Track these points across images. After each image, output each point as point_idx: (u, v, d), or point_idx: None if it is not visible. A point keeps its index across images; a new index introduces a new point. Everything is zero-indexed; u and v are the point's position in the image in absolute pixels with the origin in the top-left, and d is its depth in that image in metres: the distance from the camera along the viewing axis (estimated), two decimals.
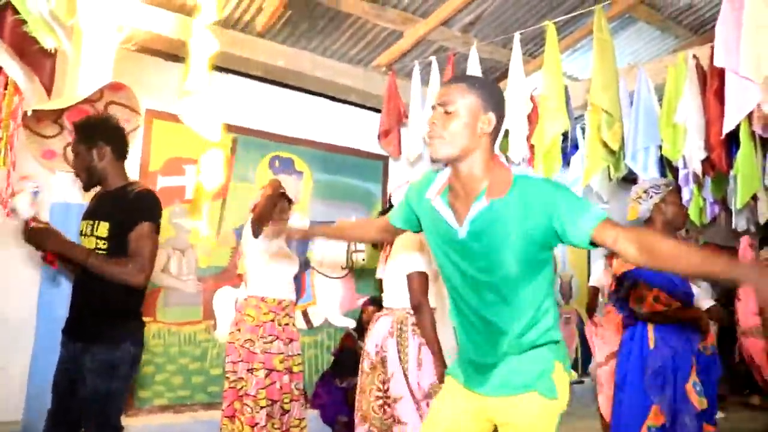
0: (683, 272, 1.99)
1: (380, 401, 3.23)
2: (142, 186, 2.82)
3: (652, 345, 3.04)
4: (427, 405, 3.06)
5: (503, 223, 1.85)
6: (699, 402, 2.95)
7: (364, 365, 3.36)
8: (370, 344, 3.34)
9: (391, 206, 3.39)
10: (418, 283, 3.18)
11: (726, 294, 7.18)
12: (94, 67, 3.81)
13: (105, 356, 2.62)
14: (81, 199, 3.93)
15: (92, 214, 2.80)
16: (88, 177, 2.81)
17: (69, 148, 3.62)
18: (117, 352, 2.64)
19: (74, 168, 2.84)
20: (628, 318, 3.24)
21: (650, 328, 3.07)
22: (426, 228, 2.11)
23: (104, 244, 2.68)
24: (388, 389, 3.20)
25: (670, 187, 3.22)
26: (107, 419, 2.64)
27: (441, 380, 3.05)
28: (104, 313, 2.68)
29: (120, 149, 2.85)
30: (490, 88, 1.97)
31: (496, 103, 1.93)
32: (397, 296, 3.34)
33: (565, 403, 1.98)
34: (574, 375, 2.32)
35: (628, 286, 3.13)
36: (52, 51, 2.96)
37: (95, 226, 2.72)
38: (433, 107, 1.95)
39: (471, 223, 1.89)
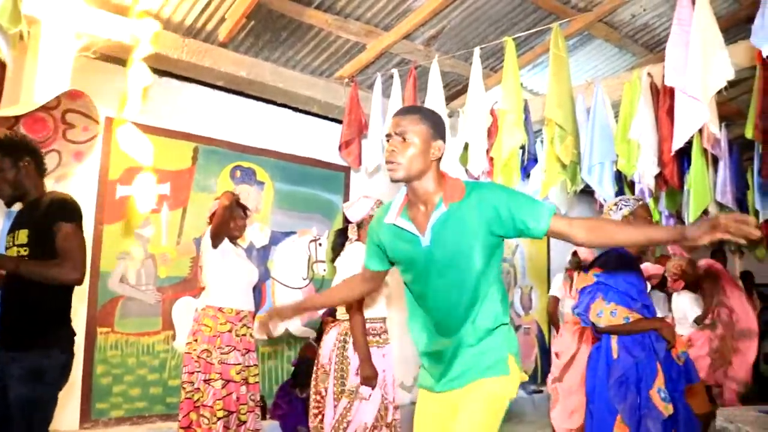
0: (627, 242, 2.25)
1: (316, 410, 3.35)
2: (58, 194, 2.85)
3: (615, 355, 3.09)
4: (340, 402, 3.23)
5: (464, 222, 2.12)
6: (665, 408, 2.97)
7: (316, 376, 3.44)
8: (322, 356, 3.42)
9: (349, 222, 3.50)
10: None
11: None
12: (51, 74, 3.77)
13: (32, 363, 2.63)
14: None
15: (13, 226, 2.84)
16: (13, 191, 2.84)
17: None
18: (45, 359, 2.65)
19: None
20: (594, 331, 3.28)
21: (613, 339, 3.12)
22: (390, 251, 2.32)
23: (25, 250, 2.72)
24: (324, 397, 3.31)
25: (641, 202, 3.24)
26: (33, 428, 2.62)
27: (366, 383, 3.20)
28: (31, 321, 2.68)
29: (41, 164, 2.91)
30: (438, 118, 2.24)
31: (443, 131, 2.23)
32: (343, 308, 3.39)
33: (515, 386, 2.24)
34: (526, 377, 2.41)
35: (588, 301, 3.16)
36: (1, 61, 2.94)
37: (15, 236, 2.77)
38: (389, 135, 2.18)
39: (432, 229, 2.14)
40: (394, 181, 2.18)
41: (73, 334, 2.85)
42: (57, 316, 2.77)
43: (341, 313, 3.41)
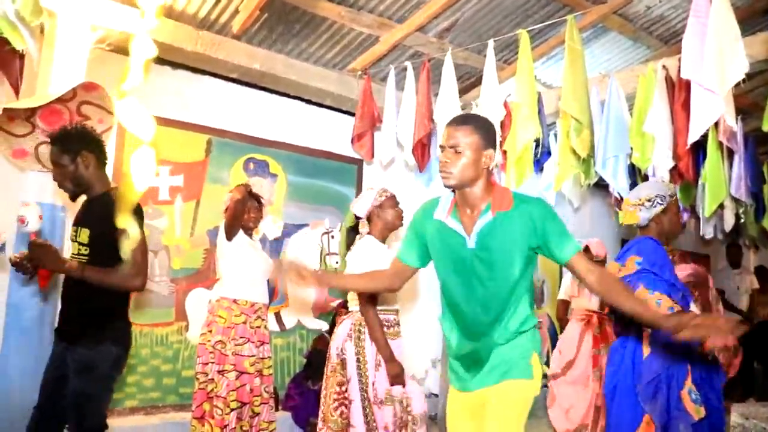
0: (628, 312, 2.29)
1: (336, 403, 3.28)
2: (122, 192, 2.86)
3: (646, 353, 2.93)
4: (379, 409, 3.17)
5: (508, 231, 2.27)
6: (695, 410, 2.83)
7: (327, 367, 3.41)
8: (332, 347, 3.40)
9: (359, 219, 3.47)
10: None
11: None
12: (67, 66, 3.80)
13: (84, 357, 2.70)
14: (52, 199, 3.93)
15: (77, 220, 2.88)
16: (75, 186, 2.87)
17: (41, 148, 3.62)
18: (96, 352, 2.71)
19: (59, 179, 2.86)
20: (619, 326, 3.13)
21: (645, 336, 2.95)
22: (433, 246, 2.45)
23: (85, 249, 2.77)
24: (346, 391, 3.25)
25: (674, 198, 3.13)
26: (84, 419, 2.70)
27: (395, 382, 3.20)
28: (86, 315, 2.75)
29: (102, 156, 2.92)
30: (490, 127, 2.37)
31: (494, 140, 2.36)
32: (356, 299, 3.38)
33: (539, 386, 2.40)
34: (546, 368, 2.52)
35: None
36: (21, 51, 2.97)
37: (78, 232, 2.81)
38: (443, 147, 2.33)
39: (479, 234, 2.29)
40: (447, 187, 2.35)
41: (128, 326, 2.91)
42: (111, 311, 2.82)
43: (354, 304, 3.40)
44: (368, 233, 3.44)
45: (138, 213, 2.81)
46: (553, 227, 2.27)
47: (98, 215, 2.76)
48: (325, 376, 3.42)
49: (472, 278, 2.35)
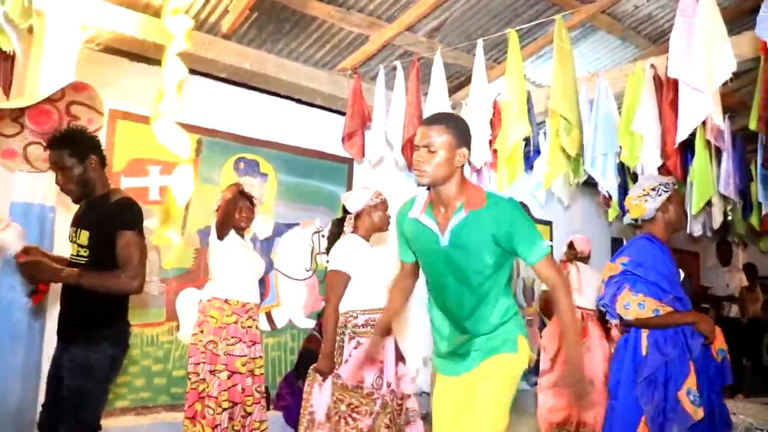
0: (560, 323, 2.45)
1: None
2: (122, 194, 2.88)
3: (644, 352, 2.89)
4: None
5: (480, 229, 2.33)
6: (694, 411, 2.75)
7: None
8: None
9: (347, 212, 3.54)
10: (332, 281, 3.35)
11: None
12: (56, 67, 3.78)
13: (80, 357, 2.71)
14: (41, 200, 3.91)
15: (77, 221, 2.89)
16: (82, 189, 2.86)
17: (30, 148, 3.61)
18: (93, 353, 2.71)
19: (64, 182, 2.85)
20: (622, 324, 3.09)
21: (644, 334, 2.92)
22: (413, 244, 2.56)
23: (85, 251, 2.78)
24: None
25: (675, 187, 3.10)
26: (79, 418, 2.70)
27: (320, 373, 3.31)
28: (84, 316, 2.75)
29: (103, 158, 2.93)
30: (463, 126, 2.41)
31: (468, 138, 2.41)
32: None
33: (526, 362, 2.48)
34: (534, 356, 2.60)
35: (613, 292, 2.96)
36: (10, 53, 2.96)
37: (77, 233, 2.81)
38: (417, 146, 2.36)
39: (452, 231, 2.35)
40: (420, 185, 2.39)
41: (127, 329, 2.92)
42: (108, 312, 2.81)
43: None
44: (352, 231, 3.50)
45: (137, 215, 2.83)
46: (520, 230, 2.33)
47: (99, 218, 2.77)
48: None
49: (448, 273, 2.43)
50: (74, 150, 2.80)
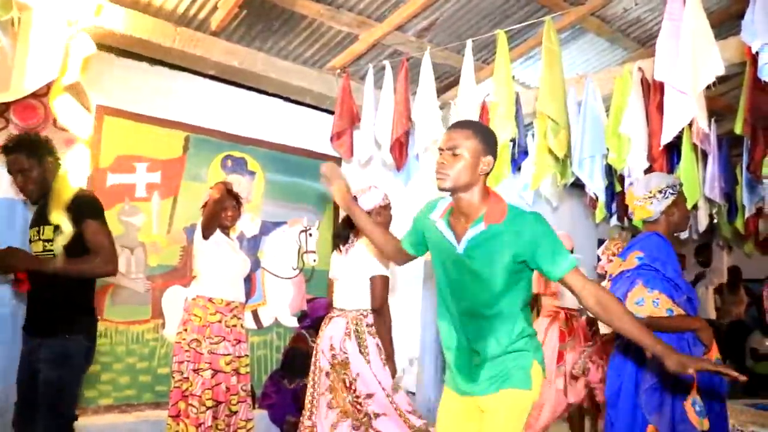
0: (621, 331, 2.26)
1: (351, 396, 3.37)
2: (81, 190, 3.01)
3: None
4: (396, 394, 3.35)
5: (497, 244, 2.24)
6: (699, 423, 2.57)
7: (322, 365, 3.46)
8: (324, 345, 3.45)
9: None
10: (382, 286, 3.41)
11: None
12: (42, 61, 3.75)
13: (59, 348, 2.81)
14: (19, 195, 3.89)
15: (36, 221, 2.99)
16: (40, 189, 2.97)
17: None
18: (70, 343, 2.83)
19: (23, 184, 2.96)
20: None
21: None
22: (431, 245, 2.49)
23: (51, 245, 2.87)
24: (355, 389, 3.34)
25: (680, 189, 2.94)
26: (58, 408, 2.78)
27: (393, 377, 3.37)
28: (58, 309, 2.85)
29: (58, 159, 3.05)
30: (490, 134, 2.35)
31: (494, 147, 2.32)
32: (352, 298, 3.48)
33: (537, 394, 2.36)
34: (545, 377, 2.47)
35: (626, 288, 2.77)
36: None
37: (41, 230, 2.91)
38: (441, 149, 2.28)
39: (468, 242, 2.27)
40: (440, 189, 2.30)
41: (96, 321, 3.04)
42: (81, 305, 2.95)
43: (345, 303, 3.50)
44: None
45: (99, 206, 2.96)
46: (545, 244, 2.22)
47: (63, 210, 2.85)
48: (319, 373, 3.48)
49: (461, 284, 2.35)
50: (31, 152, 2.92)
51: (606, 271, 4.34)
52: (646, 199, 2.91)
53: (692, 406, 2.60)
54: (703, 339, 2.72)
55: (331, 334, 3.43)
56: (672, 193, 2.87)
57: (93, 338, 2.98)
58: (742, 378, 2.07)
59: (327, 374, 3.44)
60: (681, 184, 2.95)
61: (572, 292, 2.27)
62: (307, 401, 3.52)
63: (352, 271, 3.49)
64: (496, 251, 2.24)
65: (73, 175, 2.83)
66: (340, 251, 3.61)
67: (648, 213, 2.92)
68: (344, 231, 3.65)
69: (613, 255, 4.13)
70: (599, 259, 4.31)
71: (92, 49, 2.57)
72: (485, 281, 2.28)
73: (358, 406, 3.32)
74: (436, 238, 2.42)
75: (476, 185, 2.28)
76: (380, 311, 3.42)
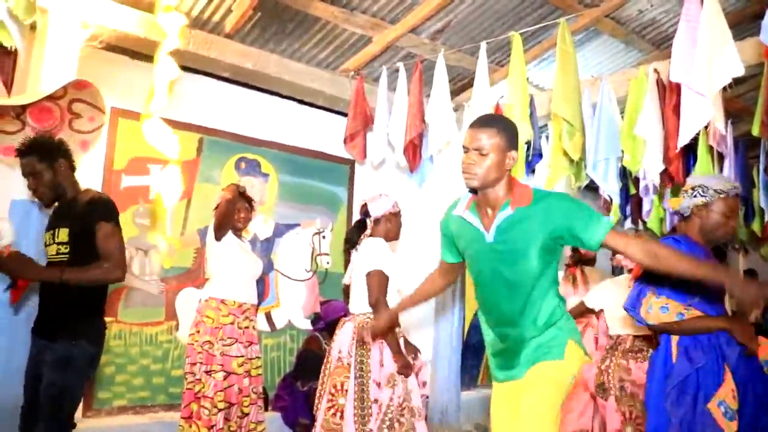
0: (678, 273, 2.25)
1: (330, 404, 3.36)
2: (94, 192, 2.99)
3: (674, 359, 2.64)
4: (379, 390, 3.30)
5: (527, 226, 2.28)
6: (726, 425, 2.48)
7: (327, 369, 3.48)
8: (334, 350, 3.47)
9: (366, 215, 3.62)
10: (377, 282, 3.37)
11: None
12: (58, 64, 3.77)
13: (62, 352, 2.77)
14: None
15: (51, 224, 2.97)
16: (53, 192, 2.95)
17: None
18: (74, 348, 2.78)
19: (36, 187, 2.95)
20: (651, 331, 2.85)
21: (674, 341, 2.66)
22: (459, 242, 2.53)
23: (65, 248, 2.84)
24: (345, 391, 3.33)
25: (723, 195, 2.75)
26: (59, 412, 2.75)
27: (401, 373, 3.34)
28: (65, 312, 2.81)
29: (72, 162, 3.02)
30: (513, 128, 2.39)
31: (516, 140, 2.37)
32: (358, 301, 3.49)
33: (576, 367, 2.38)
34: (589, 359, 2.48)
35: (636, 295, 2.73)
36: (11, 49, 2.99)
37: (56, 233, 2.89)
38: (466, 149, 2.31)
39: (497, 228, 2.32)
40: (470, 189, 2.38)
41: (104, 327, 2.99)
42: (88, 309, 2.89)
43: (354, 307, 3.52)
44: (371, 235, 3.57)
45: (113, 208, 2.91)
46: (578, 215, 2.26)
47: (76, 214, 2.85)
48: (323, 378, 3.49)
49: (494, 271, 2.39)
50: (43, 156, 2.90)
51: (621, 264, 4.31)
52: (683, 192, 2.88)
53: (718, 407, 2.53)
54: (738, 337, 2.59)
55: (341, 338, 3.46)
56: (701, 195, 2.77)
57: (99, 344, 2.93)
58: None
59: (327, 378, 3.47)
60: (722, 192, 2.76)
61: (618, 252, 2.33)
62: (316, 403, 3.54)
63: (356, 273, 3.52)
64: (528, 232, 2.28)
65: (164, 194, 2.82)
66: (350, 255, 3.66)
67: (677, 202, 2.88)
68: (354, 235, 3.68)
69: None
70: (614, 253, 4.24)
71: (177, 73, 2.61)
72: (519, 265, 2.33)
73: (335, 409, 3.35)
74: (464, 231, 2.46)
75: (503, 179, 2.34)
76: (376, 306, 3.37)
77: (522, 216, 2.29)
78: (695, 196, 2.79)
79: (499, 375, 2.53)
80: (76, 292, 2.78)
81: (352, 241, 3.67)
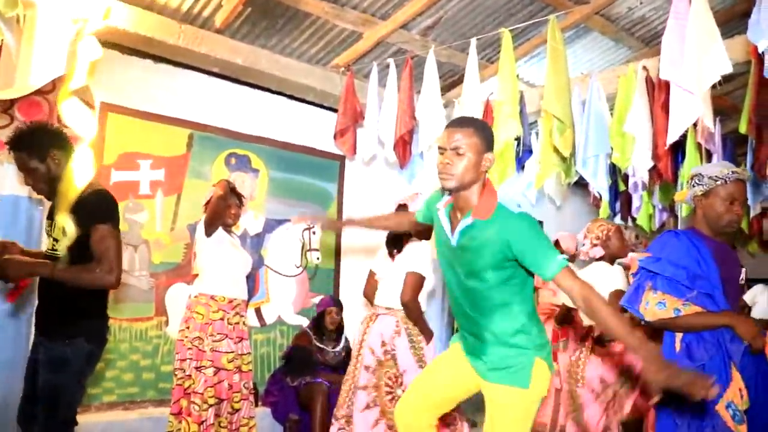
0: (607, 332, 2.33)
1: (390, 396, 3.60)
2: (96, 186, 2.80)
3: (678, 349, 2.54)
4: None
5: (482, 240, 2.29)
6: (736, 429, 2.38)
7: (366, 361, 3.70)
8: (373, 341, 3.70)
9: (402, 207, 3.84)
10: (413, 283, 3.64)
11: None
12: (47, 58, 3.75)
13: (56, 351, 2.67)
14: (29, 192, 3.89)
15: (50, 214, 2.85)
16: (49, 187, 2.79)
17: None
18: (68, 347, 2.67)
19: (33, 182, 2.80)
20: (649, 327, 2.71)
21: (677, 338, 2.57)
22: (435, 229, 2.58)
23: (58, 244, 2.74)
24: (402, 383, 3.59)
25: (720, 182, 2.63)
26: (55, 412, 2.67)
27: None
28: (61, 309, 2.71)
29: (69, 149, 2.82)
30: (489, 130, 2.39)
31: (492, 142, 2.38)
32: (397, 297, 3.72)
33: (541, 391, 2.38)
34: (555, 367, 2.51)
35: (633, 291, 2.65)
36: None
37: (52, 226, 2.78)
38: (443, 149, 2.31)
39: (459, 233, 2.35)
40: (445, 189, 2.37)
41: (104, 324, 2.86)
42: (86, 306, 2.76)
43: (393, 302, 3.74)
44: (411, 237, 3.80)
45: (112, 207, 2.78)
46: (531, 247, 2.23)
47: (72, 210, 2.67)
48: (362, 370, 3.72)
49: (455, 273, 2.44)
50: (33, 150, 2.72)
51: (589, 257, 4.24)
52: (687, 182, 2.78)
53: (726, 409, 2.40)
54: (741, 334, 2.45)
55: (381, 331, 3.69)
56: (698, 183, 2.68)
57: (98, 342, 2.81)
58: (713, 392, 1.90)
59: (367, 368, 3.68)
60: (720, 179, 2.64)
61: (561, 289, 2.27)
62: (343, 392, 3.79)
63: (399, 273, 3.72)
64: (482, 247, 2.29)
65: (76, 176, 2.66)
66: (393, 257, 3.84)
67: (681, 197, 2.83)
68: (395, 240, 3.86)
69: (597, 239, 4.12)
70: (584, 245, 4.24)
71: (99, 53, 2.53)
72: (474, 274, 2.35)
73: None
74: (438, 227, 2.51)
75: (478, 182, 2.34)
76: (407, 305, 3.61)
77: (480, 228, 2.29)
78: (693, 186, 2.70)
79: (465, 349, 2.55)
80: (73, 290, 2.65)
81: (395, 244, 3.86)
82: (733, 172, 2.65)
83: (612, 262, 4.08)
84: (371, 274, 4.02)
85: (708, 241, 2.64)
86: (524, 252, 2.23)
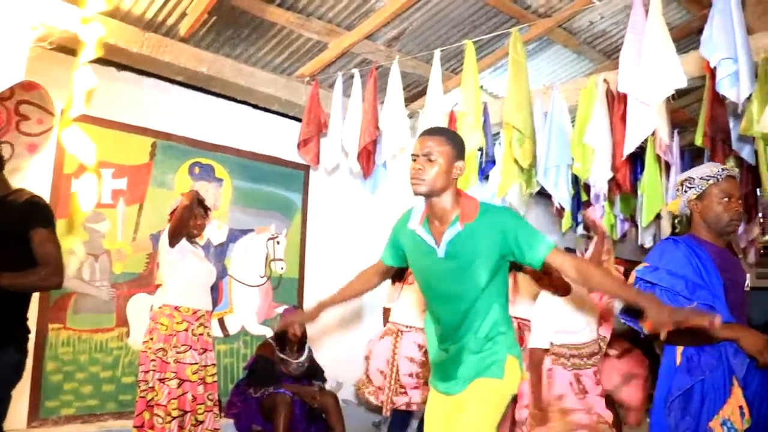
0: (605, 292, 2.49)
1: None
2: (29, 193, 2.76)
3: (678, 362, 2.44)
4: None
5: (475, 241, 2.34)
6: None
7: (403, 368, 4.35)
8: (411, 350, 4.34)
9: None
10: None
11: None
12: (5, 65, 3.70)
13: None
14: None
15: None
16: None
17: None
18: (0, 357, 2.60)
19: None
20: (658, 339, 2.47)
21: (678, 351, 2.47)
22: (409, 253, 2.56)
23: None
24: None
25: (712, 181, 2.54)
26: None
27: None
28: None
29: (1, 159, 2.78)
30: (460, 140, 2.47)
31: (464, 152, 2.46)
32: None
33: (513, 386, 2.43)
34: (526, 375, 2.52)
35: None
36: None
37: None
38: (415, 155, 2.37)
39: (448, 244, 2.36)
40: (416, 194, 2.38)
41: (28, 332, 2.78)
42: (12, 315, 2.69)
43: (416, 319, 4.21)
44: None
45: (49, 212, 2.74)
46: (523, 232, 2.33)
47: (9, 216, 2.64)
48: (392, 368, 4.33)
49: (443, 286, 2.45)
50: None
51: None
52: (676, 191, 2.70)
53: (721, 426, 2.30)
54: (745, 348, 2.33)
55: (409, 350, 4.26)
56: (690, 187, 2.59)
57: (23, 351, 2.73)
58: (717, 320, 1.95)
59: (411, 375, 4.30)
60: (712, 177, 2.55)
61: (556, 269, 2.37)
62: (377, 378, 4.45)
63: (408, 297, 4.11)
64: (477, 248, 2.34)
65: (81, 200, 2.66)
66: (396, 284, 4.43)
67: (674, 207, 2.72)
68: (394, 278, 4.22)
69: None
70: None
71: (95, 83, 2.55)
72: (467, 279, 2.38)
73: None
74: (415, 245, 2.49)
75: (449, 189, 2.38)
76: None
77: (471, 231, 2.34)
78: (686, 191, 2.60)
79: (438, 385, 2.57)
80: (4, 298, 2.58)
81: (399, 278, 4.18)
82: (723, 169, 2.58)
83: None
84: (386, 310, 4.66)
85: (708, 246, 2.53)
86: (518, 236, 2.31)
